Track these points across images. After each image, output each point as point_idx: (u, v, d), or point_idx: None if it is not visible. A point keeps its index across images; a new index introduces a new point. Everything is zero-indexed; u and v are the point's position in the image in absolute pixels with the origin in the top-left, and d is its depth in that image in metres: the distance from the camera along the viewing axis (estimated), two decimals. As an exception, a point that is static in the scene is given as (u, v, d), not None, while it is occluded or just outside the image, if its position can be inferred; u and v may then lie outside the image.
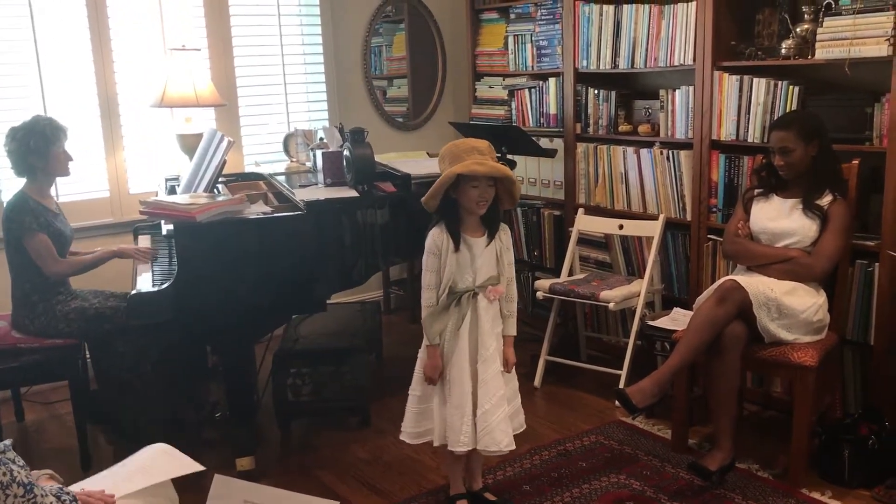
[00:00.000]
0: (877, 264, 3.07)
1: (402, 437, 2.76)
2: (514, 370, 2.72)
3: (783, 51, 3.29)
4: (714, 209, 3.63)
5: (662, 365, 2.95)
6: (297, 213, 3.07)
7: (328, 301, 3.18)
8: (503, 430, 2.61)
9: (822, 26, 3.08)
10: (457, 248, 2.58)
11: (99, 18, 4.02)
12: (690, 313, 3.08)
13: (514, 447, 2.65)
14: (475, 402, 2.61)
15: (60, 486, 1.84)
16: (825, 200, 2.99)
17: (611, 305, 3.58)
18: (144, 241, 3.74)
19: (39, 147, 3.19)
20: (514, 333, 2.72)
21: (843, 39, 3.00)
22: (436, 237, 2.60)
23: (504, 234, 2.69)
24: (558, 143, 4.37)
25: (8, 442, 1.77)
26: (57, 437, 3.55)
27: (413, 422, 2.73)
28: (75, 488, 1.90)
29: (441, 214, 2.61)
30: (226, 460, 3.18)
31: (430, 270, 2.62)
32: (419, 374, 2.71)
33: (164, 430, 3.43)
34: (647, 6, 3.81)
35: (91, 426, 3.40)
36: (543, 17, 4.40)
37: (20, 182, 3.29)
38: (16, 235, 3.17)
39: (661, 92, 3.83)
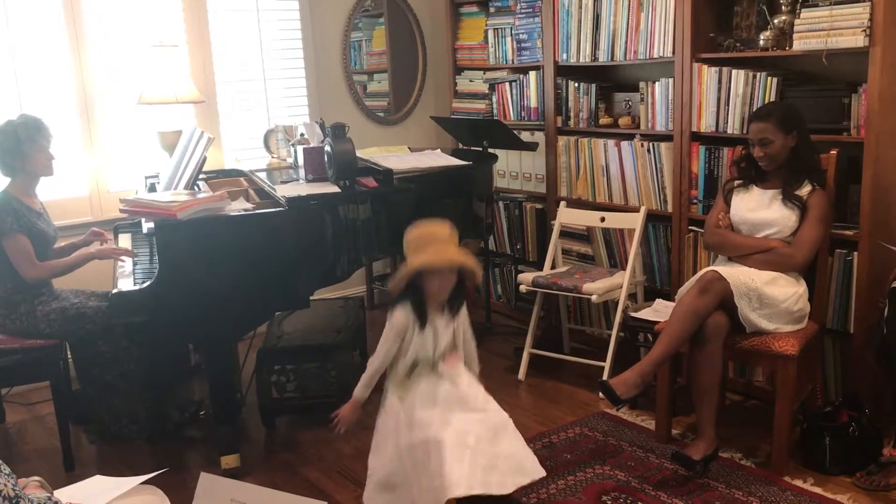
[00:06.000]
0: (856, 253, 3.10)
1: None
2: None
3: (761, 42, 3.31)
4: (695, 200, 3.65)
5: (645, 356, 2.97)
6: (278, 209, 3.06)
7: (311, 297, 3.17)
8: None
9: (799, 17, 3.10)
10: (422, 328, 2.61)
11: (75, 15, 3.97)
12: (672, 304, 3.10)
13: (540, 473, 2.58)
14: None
15: (49, 495, 1.81)
16: (804, 191, 3.01)
17: (593, 298, 3.59)
18: (125, 240, 3.71)
19: (13, 148, 3.16)
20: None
21: (820, 30, 3.02)
22: (403, 317, 2.61)
23: (462, 309, 2.71)
24: (539, 137, 4.38)
25: None
26: (39, 439, 3.52)
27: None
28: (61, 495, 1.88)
29: (406, 296, 2.63)
30: (210, 459, 3.17)
31: (389, 341, 2.63)
32: (385, 449, 2.61)
33: (147, 429, 3.42)
34: (626, -1, 3.83)
35: (74, 427, 3.38)
36: (523, 11, 4.40)
37: (4, 181, 3.26)
38: None
39: (641, 84, 3.84)
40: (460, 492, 2.37)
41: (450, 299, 2.66)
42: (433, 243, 2.58)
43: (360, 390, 2.69)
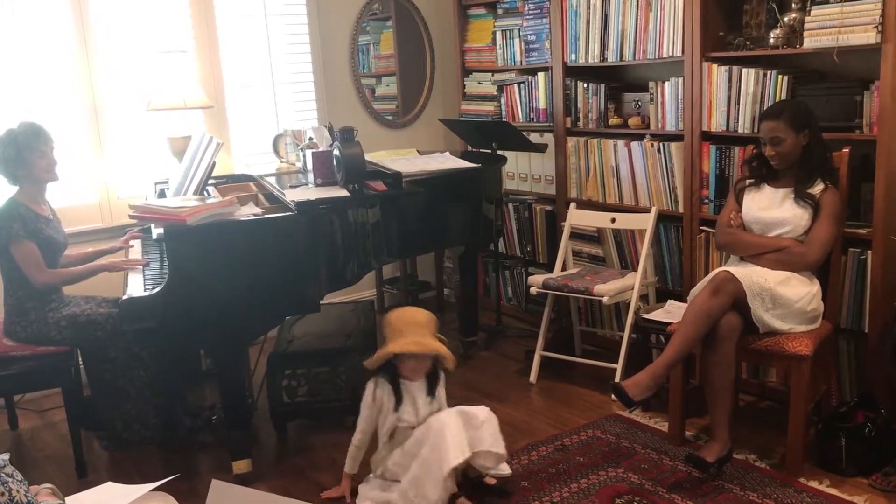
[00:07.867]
0: (869, 252, 3.07)
1: None
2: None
3: (771, 40, 3.28)
4: (706, 200, 3.63)
5: (658, 358, 2.95)
6: (287, 213, 3.05)
7: (321, 301, 3.16)
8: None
9: (809, 15, 3.08)
10: (397, 408, 2.82)
11: (83, 21, 3.99)
12: (685, 305, 3.07)
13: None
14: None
15: (60, 502, 1.81)
16: (816, 189, 2.99)
17: (605, 299, 3.58)
18: (135, 246, 3.71)
19: (14, 157, 3.16)
20: None
21: (831, 28, 3.00)
22: (377, 394, 2.86)
23: (440, 383, 2.93)
24: (548, 138, 4.36)
25: (6, 456, 1.73)
26: (51, 445, 3.53)
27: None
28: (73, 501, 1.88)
29: (380, 373, 2.86)
30: (222, 464, 3.17)
31: (365, 418, 2.89)
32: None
33: (159, 435, 3.43)
34: (634, -2, 3.81)
35: (85, 433, 3.39)
36: (531, 12, 4.39)
37: (13, 189, 3.26)
38: (3, 242, 3.15)
39: (651, 84, 3.82)
40: (458, 459, 2.64)
41: (428, 376, 2.88)
42: (412, 327, 2.80)
43: (349, 465, 2.95)
